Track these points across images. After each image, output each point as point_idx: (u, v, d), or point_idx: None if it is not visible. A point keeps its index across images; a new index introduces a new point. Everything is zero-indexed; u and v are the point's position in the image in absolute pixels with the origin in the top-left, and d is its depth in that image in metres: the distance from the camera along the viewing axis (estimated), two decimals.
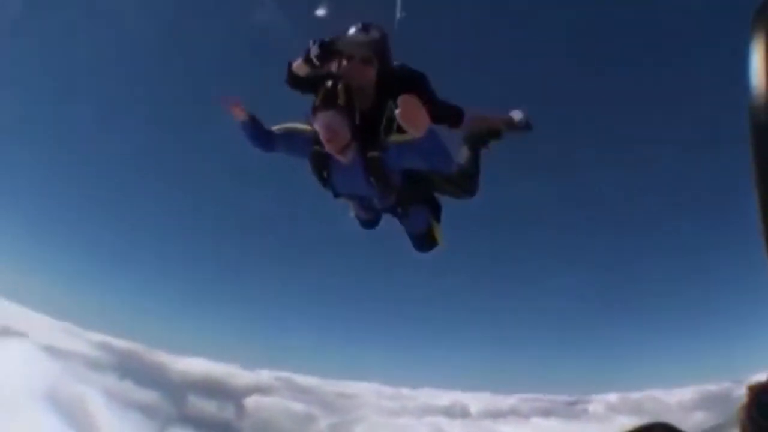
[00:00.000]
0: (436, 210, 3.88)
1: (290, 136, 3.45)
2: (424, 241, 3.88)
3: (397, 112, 2.81)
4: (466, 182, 3.85)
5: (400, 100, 2.78)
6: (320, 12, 3.66)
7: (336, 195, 3.56)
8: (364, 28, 3.33)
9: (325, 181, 3.44)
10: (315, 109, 3.10)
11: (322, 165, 3.35)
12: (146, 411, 41.71)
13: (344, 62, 3.25)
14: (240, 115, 3.46)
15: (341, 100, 3.09)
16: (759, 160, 0.62)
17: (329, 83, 3.13)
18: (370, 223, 3.98)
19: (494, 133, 4.03)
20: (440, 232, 3.87)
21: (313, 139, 3.28)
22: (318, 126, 3.14)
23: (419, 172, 3.42)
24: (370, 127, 3.22)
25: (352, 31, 3.32)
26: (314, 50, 3.18)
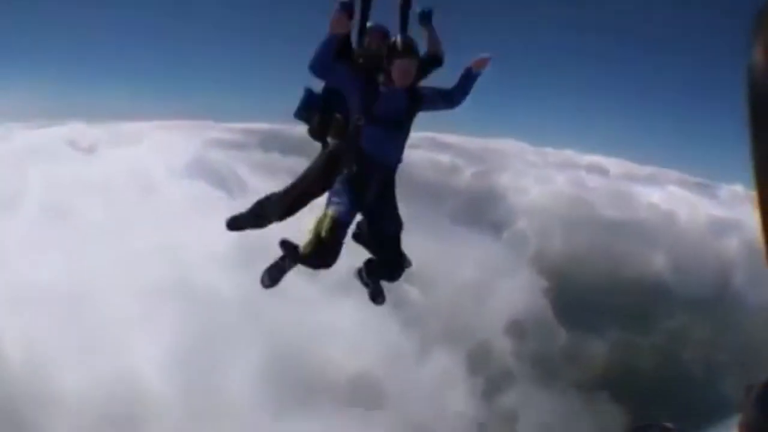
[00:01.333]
0: (393, 270, 4.82)
1: (348, 68, 4.31)
2: (395, 265, 4.79)
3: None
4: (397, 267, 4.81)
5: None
6: None
7: (371, 121, 4.33)
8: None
9: (370, 108, 4.31)
10: (399, 55, 4.18)
11: (374, 95, 4.29)
12: (293, 174, 48.02)
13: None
14: (345, 27, 4.10)
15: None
16: (758, 163, 0.61)
17: (404, 37, 4.40)
18: (331, 253, 4.30)
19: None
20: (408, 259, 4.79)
21: (361, 76, 4.30)
22: (397, 67, 4.19)
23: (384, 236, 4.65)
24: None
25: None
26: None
